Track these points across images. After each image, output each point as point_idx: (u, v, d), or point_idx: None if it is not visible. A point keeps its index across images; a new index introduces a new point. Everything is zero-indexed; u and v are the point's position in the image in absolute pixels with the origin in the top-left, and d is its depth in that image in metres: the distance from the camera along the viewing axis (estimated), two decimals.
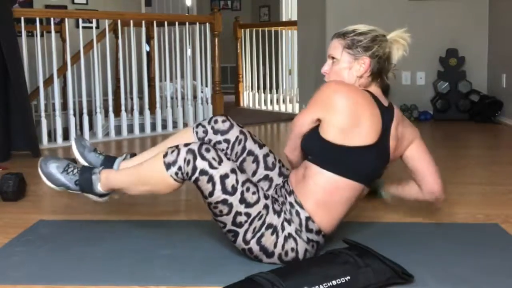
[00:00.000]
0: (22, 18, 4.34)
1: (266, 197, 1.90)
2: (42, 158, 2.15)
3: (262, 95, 7.35)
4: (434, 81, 5.87)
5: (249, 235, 1.87)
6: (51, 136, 5.07)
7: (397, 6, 5.85)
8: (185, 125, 5.47)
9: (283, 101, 7.16)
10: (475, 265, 1.92)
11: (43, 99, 4.62)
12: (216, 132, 2.16)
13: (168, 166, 1.87)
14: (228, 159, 1.89)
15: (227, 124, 2.16)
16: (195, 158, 1.84)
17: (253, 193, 1.87)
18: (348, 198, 1.92)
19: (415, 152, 2.11)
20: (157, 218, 2.51)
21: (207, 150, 1.85)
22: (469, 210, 2.59)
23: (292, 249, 1.88)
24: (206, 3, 10.31)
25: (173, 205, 2.75)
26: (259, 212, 1.86)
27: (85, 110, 4.91)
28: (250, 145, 2.14)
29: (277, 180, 2.12)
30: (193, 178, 1.85)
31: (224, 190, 1.84)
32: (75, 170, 2.11)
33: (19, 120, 4.03)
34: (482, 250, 2.06)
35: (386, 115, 1.96)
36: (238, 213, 1.85)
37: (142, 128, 5.24)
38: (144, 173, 1.96)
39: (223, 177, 1.83)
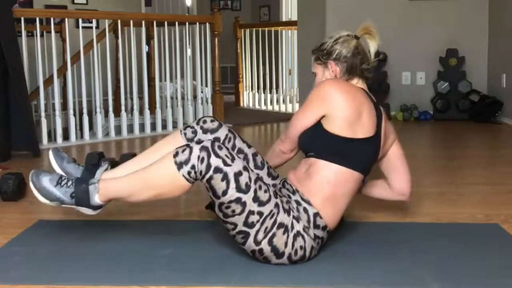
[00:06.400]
0: (22, 18, 4.33)
1: (276, 196, 1.90)
2: (33, 172, 2.00)
3: (262, 95, 7.34)
4: (434, 81, 5.87)
5: (260, 236, 1.84)
6: (51, 136, 5.07)
7: (397, 6, 5.86)
8: (185, 125, 5.45)
9: (283, 101, 7.15)
10: (475, 265, 1.92)
11: (43, 99, 4.61)
12: (205, 131, 2.19)
13: (180, 165, 1.81)
14: (239, 157, 1.89)
15: (215, 123, 2.21)
16: (209, 156, 1.79)
17: (265, 191, 1.86)
18: (351, 189, 1.98)
19: (394, 154, 2.21)
20: (157, 218, 2.51)
21: (220, 148, 1.82)
22: (469, 210, 2.59)
23: (301, 247, 1.88)
24: (206, 3, 10.30)
25: (172, 205, 2.74)
26: (271, 211, 1.84)
27: (85, 110, 4.90)
28: (239, 143, 2.18)
29: (266, 179, 2.13)
30: (207, 176, 1.79)
31: (238, 188, 1.79)
32: (69, 182, 1.98)
33: (19, 120, 4.02)
34: (482, 250, 2.06)
35: (378, 110, 2.06)
36: (250, 212, 1.81)
37: (142, 128, 5.24)
38: (151, 176, 1.89)
39: (237, 175, 1.80)
